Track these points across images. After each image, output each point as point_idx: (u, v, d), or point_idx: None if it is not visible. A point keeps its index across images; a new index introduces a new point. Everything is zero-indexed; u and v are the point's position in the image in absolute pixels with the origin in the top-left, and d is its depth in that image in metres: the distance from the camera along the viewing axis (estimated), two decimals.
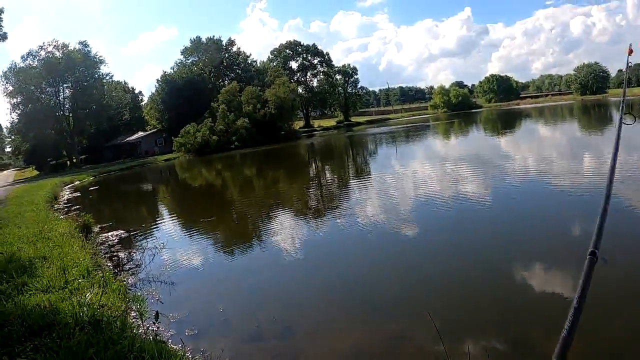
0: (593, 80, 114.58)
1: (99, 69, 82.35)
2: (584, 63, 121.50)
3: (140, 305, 7.00)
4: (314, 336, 6.82)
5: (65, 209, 23.29)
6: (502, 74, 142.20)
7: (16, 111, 76.94)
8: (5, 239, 12.59)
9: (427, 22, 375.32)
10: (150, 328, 6.30)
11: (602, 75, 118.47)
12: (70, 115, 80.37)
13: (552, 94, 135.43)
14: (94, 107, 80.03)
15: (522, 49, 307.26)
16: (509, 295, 7.43)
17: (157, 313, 5.37)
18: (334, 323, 7.19)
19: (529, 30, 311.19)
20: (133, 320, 6.69)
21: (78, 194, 33.29)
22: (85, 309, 6.17)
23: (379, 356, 6.07)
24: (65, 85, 79.09)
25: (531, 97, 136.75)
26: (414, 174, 22.20)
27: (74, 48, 78.64)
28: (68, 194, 33.02)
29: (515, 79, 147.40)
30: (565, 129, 42.01)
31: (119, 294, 7.62)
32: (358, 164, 33.29)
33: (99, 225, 16.62)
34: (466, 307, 7.14)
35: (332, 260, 10.78)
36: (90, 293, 6.89)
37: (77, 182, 43.55)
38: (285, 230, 13.98)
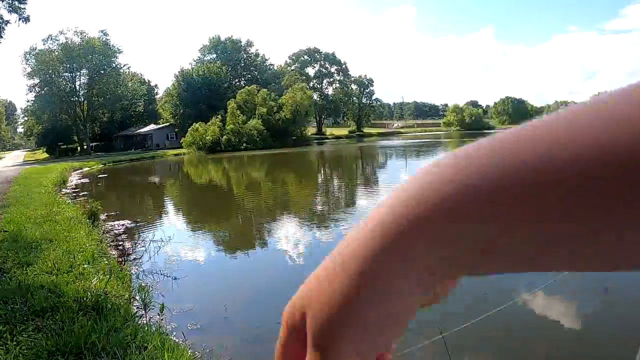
0: None
1: (117, 58, 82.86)
2: (599, 92, 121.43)
3: (144, 295, 6.95)
4: None
5: (73, 194, 23.34)
6: (517, 97, 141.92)
7: (32, 93, 77.56)
8: (12, 217, 12.59)
9: (450, 37, 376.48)
10: (153, 319, 6.26)
11: None
12: (85, 101, 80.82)
13: None
14: (109, 96, 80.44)
15: (540, 73, 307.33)
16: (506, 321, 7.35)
17: (162, 305, 5.34)
18: None
19: (548, 54, 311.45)
20: (136, 310, 6.65)
21: (86, 180, 33.35)
22: (89, 294, 6.14)
23: None
24: (82, 71, 79.58)
25: None
26: None
27: (93, 36, 79.26)
28: (76, 180, 33.08)
29: (531, 103, 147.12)
30: None
31: (123, 283, 7.58)
32: (367, 174, 33.25)
33: (105, 213, 16.62)
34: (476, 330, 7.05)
35: None
36: (96, 279, 6.86)
37: (86, 169, 43.62)
38: (292, 233, 13.95)
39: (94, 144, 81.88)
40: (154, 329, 5.61)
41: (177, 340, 5.75)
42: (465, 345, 6.37)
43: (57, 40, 77.32)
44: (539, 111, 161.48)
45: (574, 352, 6.37)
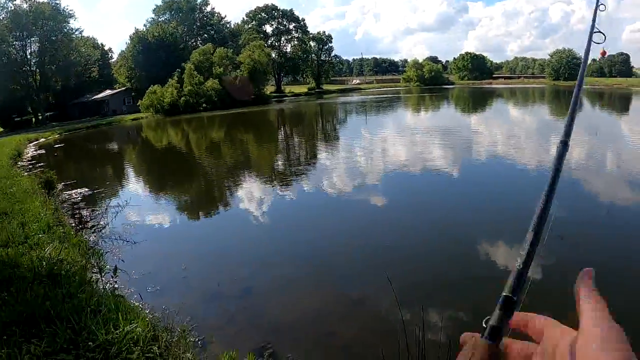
0: (566, 66, 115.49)
1: (68, 23, 79.73)
2: (558, 49, 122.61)
3: (99, 259, 6.98)
4: (274, 297, 6.93)
5: (30, 166, 22.82)
6: (477, 53, 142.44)
7: None
8: None
9: None
10: (109, 283, 6.32)
11: (576, 62, 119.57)
12: (37, 70, 77.76)
13: (525, 77, 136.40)
14: (62, 63, 77.54)
15: (499, 30, 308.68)
16: (466, 264, 7.65)
17: (115, 267, 5.41)
18: (295, 286, 7.31)
19: (509, 12, 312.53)
20: (92, 275, 6.69)
21: (43, 151, 32.56)
22: (44, 263, 6.15)
23: (338, 318, 6.22)
24: (32, 39, 76.42)
25: (504, 77, 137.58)
26: (382, 144, 22.36)
27: (43, 1, 75.94)
28: (32, 152, 32.26)
29: (490, 59, 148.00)
30: (534, 111, 42.61)
31: (79, 250, 7.58)
32: (327, 131, 33.30)
33: (62, 183, 16.35)
34: (425, 275, 7.33)
35: (296, 225, 10.90)
36: (50, 248, 6.84)
37: (42, 140, 42.51)
38: (251, 194, 14.02)
39: (49, 113, 79.33)
40: (109, 292, 5.68)
41: (135, 303, 5.84)
42: (420, 291, 6.64)
43: (5, 8, 73.84)
44: (498, 67, 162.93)
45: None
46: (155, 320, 5.25)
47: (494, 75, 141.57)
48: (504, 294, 0.61)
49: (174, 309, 5.95)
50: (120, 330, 4.42)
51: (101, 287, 6.04)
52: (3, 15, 73.96)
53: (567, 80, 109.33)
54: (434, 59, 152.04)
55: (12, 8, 73.99)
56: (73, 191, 15.24)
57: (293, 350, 5.41)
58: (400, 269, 7.48)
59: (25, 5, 74.74)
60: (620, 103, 48.43)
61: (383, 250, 8.54)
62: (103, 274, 6.47)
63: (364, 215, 11.01)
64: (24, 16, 73.28)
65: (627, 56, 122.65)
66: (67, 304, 4.94)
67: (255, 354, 4.56)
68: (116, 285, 6.47)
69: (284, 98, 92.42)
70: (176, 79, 68.16)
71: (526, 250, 0.69)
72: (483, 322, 0.60)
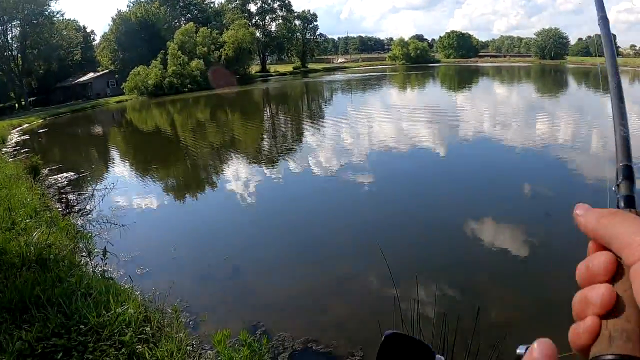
0: (552, 45, 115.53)
1: (49, 5, 78.37)
2: (544, 28, 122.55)
3: (88, 243, 6.93)
4: (264, 276, 6.95)
5: (14, 153, 22.56)
6: (463, 32, 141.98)
7: None
8: None
9: None
10: (98, 266, 6.30)
11: (562, 41, 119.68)
12: (19, 55, 76.54)
13: (511, 55, 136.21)
14: (43, 46, 76.38)
15: (486, 9, 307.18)
16: (458, 242, 7.72)
17: (104, 249, 5.37)
18: (285, 264, 7.34)
19: None
20: (81, 258, 6.66)
21: (27, 137, 32.19)
22: (32, 248, 6.09)
23: (330, 294, 6.26)
24: (13, 23, 75.07)
25: (490, 56, 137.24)
26: (367, 123, 22.34)
27: None
28: (16, 137, 31.88)
29: (477, 38, 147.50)
30: (520, 90, 42.71)
31: (67, 234, 7.54)
32: (313, 110, 33.23)
33: (47, 168, 16.19)
34: (418, 253, 7.38)
35: (284, 204, 10.91)
36: (38, 233, 6.79)
37: (25, 125, 41.97)
38: (239, 174, 13.99)
39: (32, 98, 78.20)
40: (99, 275, 5.66)
41: (125, 285, 5.82)
42: (413, 265, 6.68)
43: None
44: (484, 45, 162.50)
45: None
46: (146, 302, 5.25)
47: (480, 54, 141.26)
48: (621, 164, 0.56)
49: (165, 290, 5.94)
50: (112, 312, 4.41)
51: (90, 270, 6.01)
52: None
53: (553, 59, 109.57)
54: (419, 37, 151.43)
55: None
56: (58, 176, 15.11)
57: (286, 328, 5.44)
58: (391, 243, 7.52)
59: None
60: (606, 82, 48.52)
61: (373, 227, 8.59)
62: (92, 258, 6.44)
63: (352, 194, 11.04)
64: (4, 0, 71.92)
65: (614, 36, 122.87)
66: (57, 289, 4.92)
67: (248, 332, 4.57)
68: (106, 268, 6.44)
69: (269, 77, 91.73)
70: (160, 60, 67.37)
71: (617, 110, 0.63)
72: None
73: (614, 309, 0.45)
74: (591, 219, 0.49)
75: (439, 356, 0.72)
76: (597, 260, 0.47)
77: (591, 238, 0.49)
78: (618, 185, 0.54)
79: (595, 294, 0.45)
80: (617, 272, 0.46)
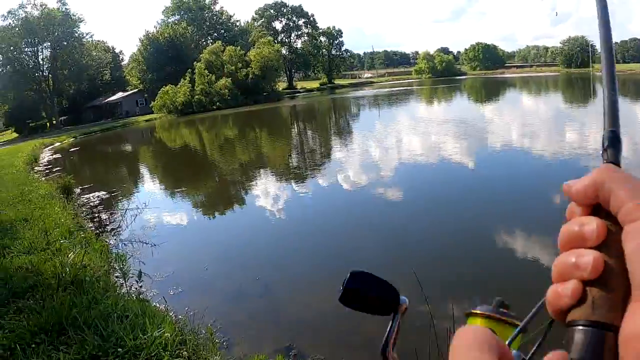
0: (579, 53, 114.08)
1: (78, 28, 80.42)
2: (570, 36, 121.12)
3: (122, 264, 7.00)
4: (295, 296, 6.91)
5: (46, 171, 23.02)
6: (488, 43, 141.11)
7: None
8: None
9: None
10: (133, 287, 6.34)
11: (588, 49, 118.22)
12: (50, 75, 78.49)
13: (537, 65, 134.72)
14: (74, 67, 78.22)
15: (511, 18, 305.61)
16: (491, 257, 7.58)
17: (140, 272, 5.40)
18: (316, 282, 7.28)
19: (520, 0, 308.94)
20: (116, 279, 6.72)
21: (59, 155, 32.85)
22: (67, 269, 6.16)
23: (359, 316, 6.18)
24: (44, 45, 77.14)
25: (516, 67, 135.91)
26: (396, 137, 22.27)
27: (53, 7, 76.61)
28: (48, 156, 32.56)
29: (502, 48, 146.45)
30: (548, 99, 42.20)
31: (101, 254, 7.62)
32: (341, 126, 33.29)
33: (79, 187, 16.47)
34: (450, 269, 7.26)
35: (315, 221, 10.88)
36: (73, 254, 6.87)
37: (57, 144, 42.86)
38: (268, 191, 14.03)
39: (63, 117, 79.99)
40: (134, 297, 5.69)
41: (158, 306, 5.85)
42: (447, 287, 6.58)
43: (16, 15, 74.61)
44: (510, 56, 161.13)
45: None
46: (181, 323, 5.25)
47: (506, 65, 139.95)
48: (609, 129, 0.56)
49: (198, 310, 5.95)
50: (149, 335, 4.42)
51: (125, 292, 6.06)
52: (15, 22, 74.82)
53: (580, 68, 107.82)
54: (445, 50, 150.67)
55: (24, 15, 74.85)
56: (90, 195, 15.35)
57: (318, 349, 5.38)
58: (425, 264, 7.42)
59: (36, 12, 75.64)
60: (635, 89, 47.71)
61: (406, 246, 8.49)
62: (127, 279, 6.49)
63: (381, 209, 10.97)
64: (35, 23, 74.04)
65: None
66: (93, 310, 4.96)
67: (283, 355, 4.53)
68: (141, 290, 6.48)
69: (296, 94, 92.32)
70: (188, 78, 68.41)
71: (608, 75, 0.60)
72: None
73: (601, 277, 0.45)
74: (585, 181, 0.48)
75: (403, 297, 0.84)
76: (589, 225, 0.47)
77: (581, 200, 0.49)
78: (605, 151, 0.54)
79: (586, 260, 0.45)
80: (607, 239, 0.46)
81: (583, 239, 0.46)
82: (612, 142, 0.55)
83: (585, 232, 0.47)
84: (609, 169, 0.50)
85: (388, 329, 0.84)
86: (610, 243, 0.45)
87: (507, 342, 0.67)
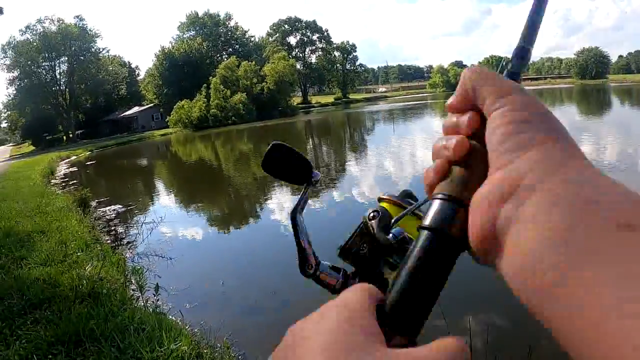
0: (593, 64, 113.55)
1: (95, 43, 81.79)
2: (584, 47, 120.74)
3: (139, 277, 7.01)
4: (312, 310, 6.82)
5: (63, 184, 23.24)
6: (502, 55, 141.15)
7: (13, 86, 76.51)
8: (3, 213, 12.56)
9: None
10: (150, 300, 6.32)
11: (603, 60, 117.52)
12: (67, 89, 79.80)
13: (551, 77, 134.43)
14: (90, 81, 79.52)
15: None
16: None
17: (157, 285, 5.40)
18: (334, 298, 7.22)
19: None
20: (132, 292, 6.71)
21: (75, 168, 33.17)
22: (84, 281, 6.18)
23: None
24: (61, 59, 78.48)
25: (530, 79, 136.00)
26: (411, 151, 22.23)
27: (70, 22, 78.01)
28: (65, 169, 32.90)
29: None
30: (562, 111, 41.89)
31: (117, 267, 7.63)
32: (356, 141, 33.29)
33: (96, 200, 16.58)
34: (467, 283, 7.16)
35: (331, 236, 10.81)
36: (90, 266, 6.89)
37: (73, 157, 43.31)
38: (284, 206, 13.99)
39: (79, 131, 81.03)
40: (150, 310, 5.68)
41: (174, 319, 5.82)
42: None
43: (34, 30, 76.12)
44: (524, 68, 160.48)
45: None
46: (197, 336, 5.22)
47: (520, 78, 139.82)
48: (521, 45, 0.58)
49: (214, 324, 5.92)
50: (165, 347, 4.39)
51: (142, 305, 6.04)
52: (33, 37, 76.30)
53: (594, 79, 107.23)
54: (459, 64, 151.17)
55: (41, 30, 76.35)
56: (107, 208, 15.43)
57: None
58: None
59: (53, 28, 77.16)
60: None
61: None
62: (143, 292, 6.48)
63: None
64: (52, 38, 75.43)
65: None
66: (110, 323, 4.95)
67: None
68: (157, 304, 6.47)
69: (311, 109, 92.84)
70: (203, 93, 69.08)
71: None
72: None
73: (464, 158, 0.48)
74: (457, 91, 0.53)
75: (316, 172, 0.90)
76: (463, 117, 0.51)
77: (456, 109, 0.53)
78: (509, 62, 0.57)
79: (452, 141, 0.49)
80: (480, 131, 0.48)
81: (458, 129, 0.51)
82: (517, 54, 0.59)
83: (459, 122, 0.51)
84: (472, 70, 0.55)
85: (300, 197, 0.94)
86: (481, 134, 0.48)
87: (394, 219, 0.80)
